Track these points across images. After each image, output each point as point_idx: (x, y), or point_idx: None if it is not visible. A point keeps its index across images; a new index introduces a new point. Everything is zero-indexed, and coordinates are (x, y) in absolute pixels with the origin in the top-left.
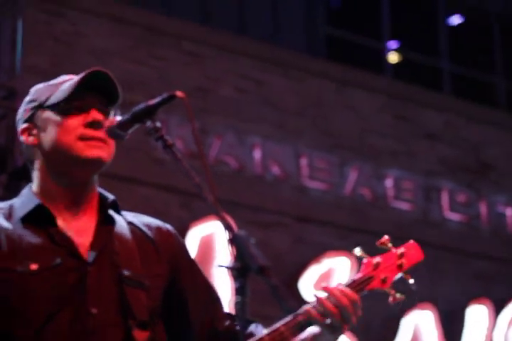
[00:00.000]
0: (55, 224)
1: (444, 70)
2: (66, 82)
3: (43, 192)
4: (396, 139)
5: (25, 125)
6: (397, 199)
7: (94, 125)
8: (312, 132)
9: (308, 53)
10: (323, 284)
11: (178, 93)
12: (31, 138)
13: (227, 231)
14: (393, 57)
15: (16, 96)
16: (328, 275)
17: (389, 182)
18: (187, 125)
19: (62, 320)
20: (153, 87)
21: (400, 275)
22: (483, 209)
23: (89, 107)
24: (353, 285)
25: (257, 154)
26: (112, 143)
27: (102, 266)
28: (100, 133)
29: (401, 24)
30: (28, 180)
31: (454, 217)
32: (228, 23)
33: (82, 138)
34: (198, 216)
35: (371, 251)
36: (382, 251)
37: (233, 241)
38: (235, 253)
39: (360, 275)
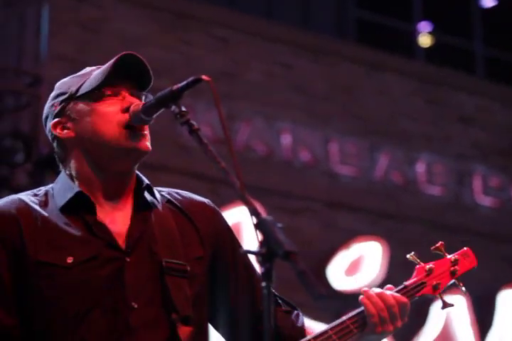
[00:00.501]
0: (94, 213)
1: (477, 53)
2: (94, 71)
3: (81, 180)
4: (428, 123)
5: (56, 120)
6: (429, 184)
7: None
8: (342, 117)
9: (338, 37)
10: (377, 290)
11: (204, 76)
12: (66, 132)
13: (253, 217)
14: (425, 40)
15: (41, 83)
16: (358, 262)
17: (420, 167)
18: (214, 111)
19: (100, 315)
20: (181, 73)
21: (452, 282)
22: None
23: (123, 92)
24: (405, 290)
25: (286, 140)
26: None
27: (140, 256)
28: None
29: (433, 6)
30: (53, 168)
31: (487, 201)
32: (256, 8)
33: (127, 126)
34: (225, 202)
35: (403, 238)
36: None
37: (259, 226)
38: (261, 238)
39: (412, 280)
